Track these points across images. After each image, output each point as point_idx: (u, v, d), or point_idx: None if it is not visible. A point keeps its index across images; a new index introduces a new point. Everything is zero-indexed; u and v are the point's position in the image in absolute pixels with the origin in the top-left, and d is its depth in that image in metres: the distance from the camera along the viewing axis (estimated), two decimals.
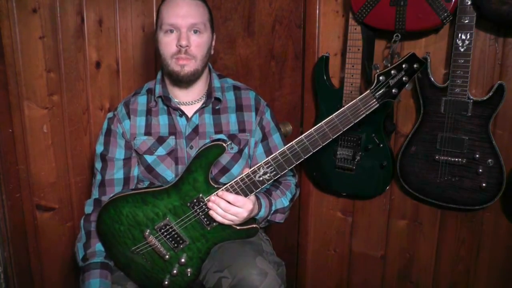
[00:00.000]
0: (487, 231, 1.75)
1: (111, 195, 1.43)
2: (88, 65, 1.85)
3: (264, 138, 1.53)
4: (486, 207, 1.64)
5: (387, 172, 1.77)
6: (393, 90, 1.25)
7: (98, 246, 1.41)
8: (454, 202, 1.66)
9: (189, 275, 1.39)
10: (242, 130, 1.50)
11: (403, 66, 1.24)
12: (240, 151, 1.49)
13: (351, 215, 2.02)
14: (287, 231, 2.18)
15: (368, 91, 1.26)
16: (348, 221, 2.03)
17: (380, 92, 1.25)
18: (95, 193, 1.49)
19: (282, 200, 1.50)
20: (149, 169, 1.46)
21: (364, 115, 1.27)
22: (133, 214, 1.35)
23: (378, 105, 1.26)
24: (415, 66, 1.24)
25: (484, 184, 1.58)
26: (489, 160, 1.57)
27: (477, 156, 1.58)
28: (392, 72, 1.25)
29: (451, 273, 1.85)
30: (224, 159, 1.46)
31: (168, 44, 1.39)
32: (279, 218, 1.50)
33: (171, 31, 1.38)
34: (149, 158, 1.46)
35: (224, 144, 1.29)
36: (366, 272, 2.04)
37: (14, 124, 1.78)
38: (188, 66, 1.39)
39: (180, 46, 1.37)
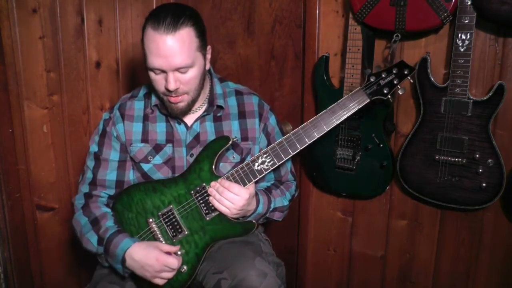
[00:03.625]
0: (487, 231, 1.75)
1: (105, 192, 1.47)
2: (88, 65, 1.85)
3: (269, 144, 1.51)
4: (486, 207, 1.64)
5: (387, 172, 1.77)
6: (384, 90, 1.38)
7: (107, 224, 1.37)
8: (454, 202, 1.66)
9: (182, 271, 1.38)
10: (244, 138, 1.49)
11: (393, 70, 1.38)
12: (242, 161, 1.48)
13: (351, 215, 2.02)
14: (287, 231, 2.18)
15: (359, 88, 1.39)
16: (348, 221, 2.03)
17: (371, 90, 1.39)
18: (84, 190, 1.46)
19: (282, 200, 1.51)
20: (146, 177, 1.46)
21: (355, 109, 1.38)
22: (142, 201, 1.40)
23: (369, 100, 1.38)
24: (405, 71, 1.38)
25: (484, 184, 1.58)
26: (489, 160, 1.57)
27: (477, 156, 1.58)
28: (383, 74, 1.39)
29: (451, 273, 1.85)
30: (226, 168, 1.45)
31: (157, 81, 1.33)
32: (277, 216, 1.51)
33: (157, 71, 1.31)
34: (145, 167, 1.45)
35: (229, 136, 1.39)
36: (366, 272, 2.04)
37: (14, 124, 1.78)
38: (182, 103, 1.36)
39: (168, 90, 1.31)
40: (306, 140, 1.36)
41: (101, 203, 1.45)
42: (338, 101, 1.38)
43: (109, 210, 1.43)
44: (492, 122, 1.55)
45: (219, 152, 1.38)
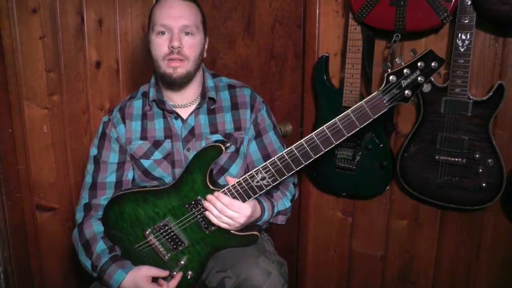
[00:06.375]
0: (487, 231, 1.75)
1: (104, 197, 1.45)
2: (88, 65, 1.85)
3: (258, 135, 1.51)
4: (486, 207, 1.64)
5: (387, 172, 1.77)
6: (406, 92, 1.12)
7: (98, 248, 1.40)
8: (454, 202, 1.66)
9: (189, 277, 1.39)
10: (237, 128, 1.48)
11: (419, 64, 1.11)
12: (237, 150, 1.48)
13: (351, 215, 2.02)
14: (288, 231, 2.18)
15: (376, 92, 1.14)
16: (348, 221, 2.03)
17: (390, 93, 1.12)
18: (85, 197, 1.48)
19: (284, 201, 1.49)
20: (146, 173, 1.46)
21: (371, 119, 1.14)
22: (135, 212, 1.37)
23: (387, 108, 1.14)
24: (433, 64, 1.11)
25: (484, 184, 1.58)
26: (489, 160, 1.57)
27: (477, 156, 1.58)
28: (405, 71, 1.12)
29: (451, 273, 1.85)
30: (222, 159, 1.45)
31: (160, 45, 1.37)
32: (281, 219, 1.49)
33: (163, 33, 1.36)
34: (145, 163, 1.46)
35: (222, 146, 1.28)
36: (366, 272, 2.04)
37: (14, 124, 1.78)
38: (181, 68, 1.37)
39: (172, 47, 1.35)
40: (312, 155, 1.21)
41: (95, 218, 1.46)
42: (350, 109, 1.16)
43: (101, 228, 1.44)
44: (492, 122, 1.55)
45: (211, 164, 1.30)
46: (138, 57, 1.91)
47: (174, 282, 1.37)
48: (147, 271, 1.36)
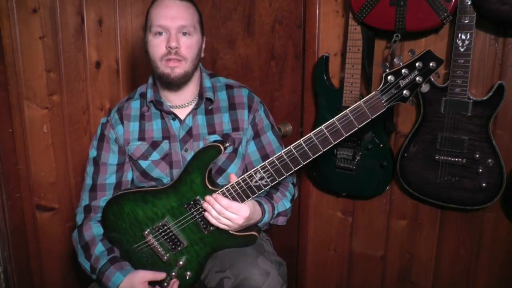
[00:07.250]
0: (487, 231, 1.75)
1: (104, 198, 1.46)
2: (88, 65, 1.85)
3: (257, 135, 1.51)
4: (486, 207, 1.64)
5: (387, 172, 1.77)
6: (404, 92, 1.14)
7: (97, 251, 1.40)
8: (454, 202, 1.66)
9: (187, 278, 1.39)
10: (235, 129, 1.48)
11: (417, 64, 1.13)
12: (235, 150, 1.48)
13: (351, 215, 2.02)
14: (287, 231, 2.18)
15: (374, 92, 1.15)
16: (348, 221, 2.03)
17: (389, 93, 1.13)
18: (85, 199, 1.49)
19: (284, 202, 1.49)
20: (144, 174, 1.47)
21: (369, 119, 1.15)
22: (133, 212, 1.37)
23: (385, 108, 1.15)
24: (431, 64, 1.12)
25: (484, 184, 1.58)
26: (489, 160, 1.57)
27: (477, 156, 1.58)
28: (403, 71, 1.13)
29: (451, 273, 1.85)
30: (220, 159, 1.45)
31: (157, 46, 1.37)
32: (281, 220, 1.49)
33: (160, 33, 1.36)
34: (143, 163, 1.46)
35: (221, 146, 1.28)
36: (366, 272, 2.04)
37: (14, 124, 1.79)
38: (179, 68, 1.37)
39: (170, 48, 1.34)
40: (310, 154, 1.22)
41: (95, 220, 1.46)
42: (349, 109, 1.17)
43: (100, 230, 1.45)
44: (492, 122, 1.55)
45: (210, 164, 1.30)
46: (138, 57, 1.91)
47: None
48: (143, 276, 1.36)
